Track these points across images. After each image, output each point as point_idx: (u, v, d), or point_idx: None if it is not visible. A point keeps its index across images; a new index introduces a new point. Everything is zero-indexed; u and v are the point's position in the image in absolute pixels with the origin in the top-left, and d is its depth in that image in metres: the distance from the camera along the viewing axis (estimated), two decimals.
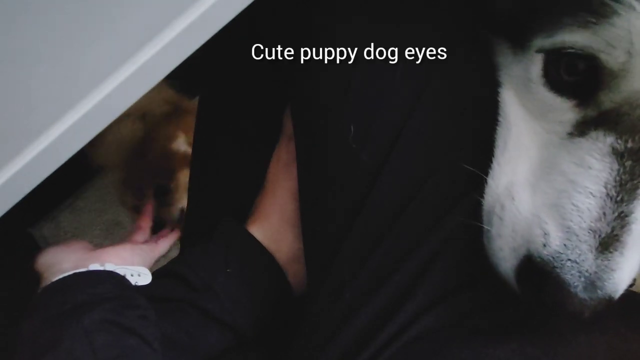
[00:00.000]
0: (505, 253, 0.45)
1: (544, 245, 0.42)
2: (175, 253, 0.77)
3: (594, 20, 0.38)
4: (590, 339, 0.47)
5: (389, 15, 0.49)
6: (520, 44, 0.45)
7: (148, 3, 0.34)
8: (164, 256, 0.87)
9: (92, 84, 0.36)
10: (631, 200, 0.41)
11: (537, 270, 0.43)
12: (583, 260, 0.41)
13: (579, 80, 0.42)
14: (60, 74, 0.35)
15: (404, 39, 0.49)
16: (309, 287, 0.57)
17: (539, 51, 0.43)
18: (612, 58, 0.39)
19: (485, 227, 0.47)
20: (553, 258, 0.42)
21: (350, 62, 0.50)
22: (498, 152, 0.47)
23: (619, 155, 0.41)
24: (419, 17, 0.50)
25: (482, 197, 0.48)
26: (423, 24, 0.50)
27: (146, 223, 0.95)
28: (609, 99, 0.41)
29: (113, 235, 1.26)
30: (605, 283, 0.41)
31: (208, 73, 0.66)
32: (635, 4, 0.37)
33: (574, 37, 0.40)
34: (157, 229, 0.97)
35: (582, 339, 0.47)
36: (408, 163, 0.49)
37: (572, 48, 0.41)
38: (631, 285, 0.44)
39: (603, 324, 0.46)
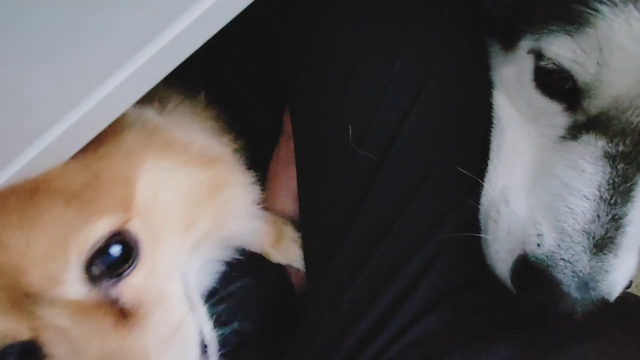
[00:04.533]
0: (501, 255, 0.45)
1: (538, 245, 0.42)
2: None
3: (571, 28, 0.38)
4: (582, 346, 0.46)
5: (388, 15, 0.49)
6: (511, 46, 0.45)
7: (148, 3, 0.34)
8: None
9: (92, 84, 0.36)
10: (625, 202, 0.40)
11: (531, 270, 0.42)
12: (577, 261, 0.41)
13: (564, 85, 0.42)
14: (60, 74, 0.35)
15: (403, 39, 0.49)
16: (308, 287, 0.56)
17: (529, 52, 0.43)
18: (583, 70, 0.39)
19: (482, 232, 0.46)
20: (547, 257, 0.42)
21: (348, 63, 0.50)
22: (493, 155, 0.47)
23: (611, 158, 0.40)
24: (418, 17, 0.49)
25: (479, 201, 0.47)
26: (422, 24, 0.49)
27: None
28: (593, 105, 0.41)
29: None
30: (599, 284, 0.41)
31: (208, 73, 0.66)
32: (608, 12, 0.37)
33: (555, 44, 0.40)
34: None
35: (574, 346, 0.46)
36: (406, 163, 0.49)
37: (545, 60, 0.41)
38: (628, 287, 0.44)
39: (596, 330, 0.46)
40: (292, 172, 0.58)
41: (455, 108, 0.48)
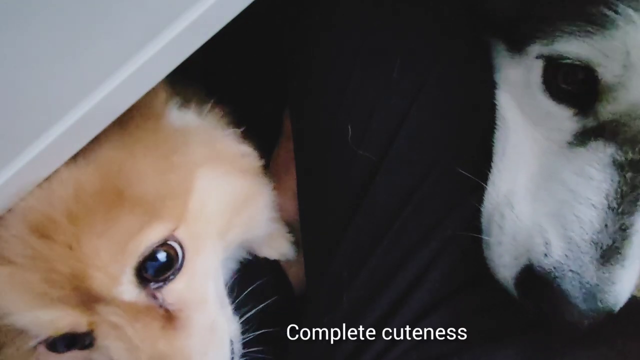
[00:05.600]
0: (505, 260, 0.44)
1: (545, 255, 0.41)
2: None
3: (592, 30, 0.37)
4: (585, 352, 0.45)
5: (387, 16, 0.49)
6: (518, 49, 0.44)
7: (148, 3, 0.34)
8: None
9: (92, 84, 0.36)
10: (632, 212, 0.40)
11: (537, 280, 0.42)
12: (584, 272, 0.40)
13: (578, 89, 0.41)
14: (60, 74, 0.35)
15: (401, 41, 0.49)
16: (308, 287, 0.56)
17: (538, 57, 0.42)
18: (608, 70, 0.38)
19: (484, 235, 0.45)
20: (554, 268, 0.41)
21: (347, 62, 0.49)
22: (497, 158, 0.46)
23: (619, 166, 0.40)
24: (417, 18, 0.49)
25: (481, 202, 0.46)
26: (422, 24, 0.49)
27: None
28: (607, 111, 0.40)
29: None
30: (606, 295, 0.40)
31: (208, 73, 0.66)
32: (635, 16, 0.36)
33: (571, 47, 0.39)
34: None
35: (576, 352, 0.45)
36: (405, 163, 0.48)
37: (569, 58, 0.39)
38: None
39: (599, 335, 0.45)
40: (292, 173, 0.57)
41: (455, 108, 0.48)
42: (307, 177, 0.55)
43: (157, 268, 0.38)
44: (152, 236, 0.37)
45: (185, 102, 0.47)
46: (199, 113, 0.48)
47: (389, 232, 0.48)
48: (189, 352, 0.37)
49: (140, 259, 0.37)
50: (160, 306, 0.38)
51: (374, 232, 0.48)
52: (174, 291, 0.38)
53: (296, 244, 0.62)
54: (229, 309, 0.44)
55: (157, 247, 0.37)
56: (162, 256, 0.38)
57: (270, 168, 0.63)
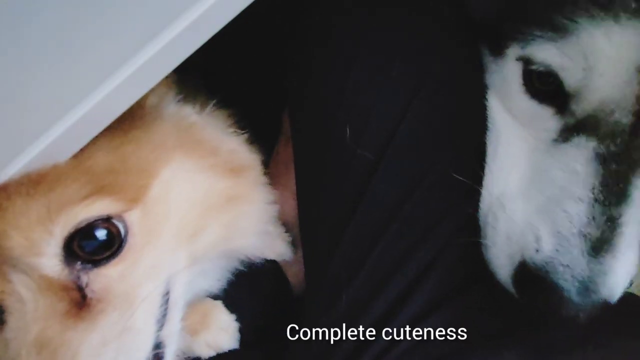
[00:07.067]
0: (501, 260, 0.45)
1: (537, 251, 0.42)
2: None
3: (557, 35, 0.39)
4: (586, 353, 0.45)
5: (386, 17, 0.49)
6: (499, 51, 0.45)
7: (148, 3, 0.34)
8: None
9: (92, 84, 0.36)
10: (619, 203, 0.40)
11: (532, 276, 0.42)
12: (575, 265, 0.41)
13: (552, 89, 0.42)
14: (60, 74, 0.35)
15: (400, 41, 0.49)
16: (307, 288, 0.56)
17: (518, 59, 0.43)
18: (569, 75, 0.39)
19: (482, 237, 0.46)
20: (546, 263, 0.42)
21: (347, 62, 0.50)
22: (489, 159, 0.47)
23: (602, 159, 0.40)
24: (415, 19, 0.49)
25: (478, 202, 0.47)
26: (420, 26, 0.49)
27: None
28: (581, 109, 0.41)
29: None
30: (600, 287, 0.41)
31: (208, 73, 0.66)
32: (589, 25, 0.37)
33: (541, 50, 0.40)
34: None
35: (576, 353, 0.45)
36: (403, 162, 0.48)
37: (535, 64, 0.41)
38: (628, 287, 0.44)
39: (600, 335, 0.45)
40: (291, 173, 0.57)
41: (452, 109, 0.48)
42: (307, 177, 0.55)
43: (95, 247, 0.33)
44: (92, 209, 0.33)
45: (189, 99, 0.46)
46: (200, 111, 0.47)
47: (387, 232, 0.48)
48: (78, 348, 0.32)
49: (72, 230, 0.33)
50: (80, 290, 0.33)
51: (373, 232, 0.49)
52: (103, 277, 0.34)
53: (294, 243, 0.62)
54: (174, 324, 0.38)
55: (98, 223, 0.33)
56: (101, 234, 0.33)
57: (270, 168, 0.63)
